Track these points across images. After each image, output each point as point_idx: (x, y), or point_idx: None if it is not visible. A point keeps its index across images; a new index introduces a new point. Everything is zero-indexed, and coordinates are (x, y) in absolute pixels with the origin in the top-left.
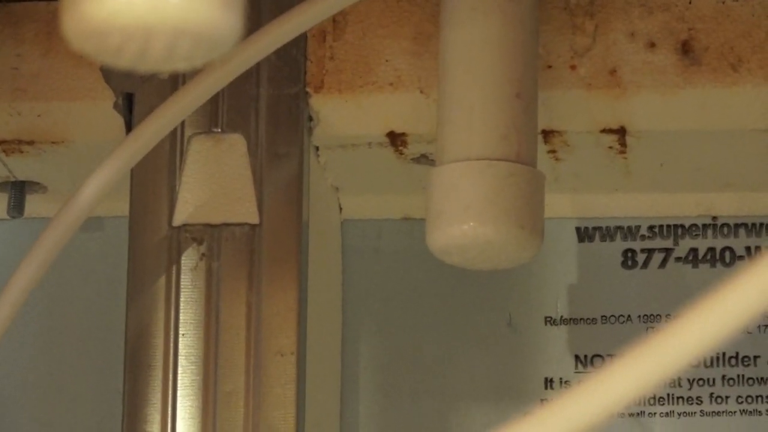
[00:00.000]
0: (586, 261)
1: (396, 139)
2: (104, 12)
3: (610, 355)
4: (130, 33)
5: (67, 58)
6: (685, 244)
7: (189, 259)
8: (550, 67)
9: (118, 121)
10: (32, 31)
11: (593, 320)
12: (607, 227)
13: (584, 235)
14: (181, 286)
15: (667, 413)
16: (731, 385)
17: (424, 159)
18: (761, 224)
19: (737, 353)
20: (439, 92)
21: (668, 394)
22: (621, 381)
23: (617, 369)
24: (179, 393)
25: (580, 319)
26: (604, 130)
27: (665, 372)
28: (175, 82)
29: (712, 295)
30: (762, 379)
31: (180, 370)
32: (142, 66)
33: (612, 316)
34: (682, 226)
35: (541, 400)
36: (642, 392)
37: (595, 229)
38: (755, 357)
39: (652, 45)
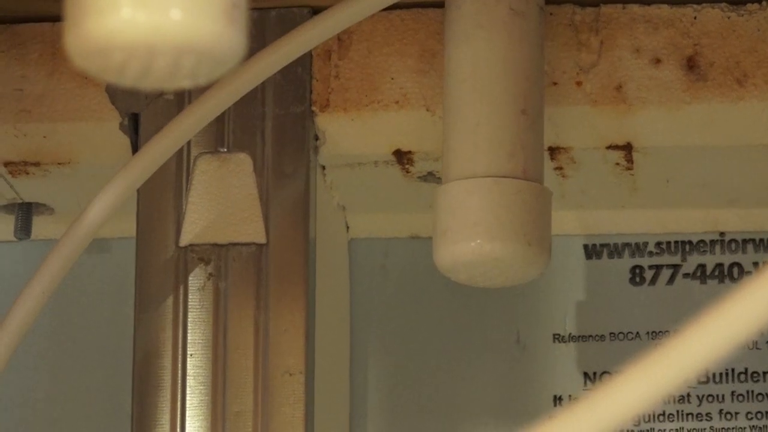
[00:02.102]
0: (594, 278)
1: (402, 157)
2: (107, 30)
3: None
4: (133, 51)
5: (73, 79)
6: (693, 260)
7: (196, 279)
8: (555, 83)
9: (125, 141)
10: (37, 52)
11: (602, 337)
12: (614, 244)
13: (592, 252)
14: (189, 307)
15: (676, 429)
16: (741, 401)
17: (431, 177)
18: None
19: (746, 369)
20: (444, 110)
21: (677, 411)
22: (626, 395)
23: (621, 383)
24: (188, 413)
25: (589, 336)
26: (610, 147)
27: (670, 386)
28: (181, 102)
29: (715, 309)
30: None
31: (188, 390)
32: (146, 84)
33: (620, 332)
34: (690, 242)
35: (550, 417)
36: (647, 406)
37: (602, 245)
38: (764, 373)
39: (658, 61)
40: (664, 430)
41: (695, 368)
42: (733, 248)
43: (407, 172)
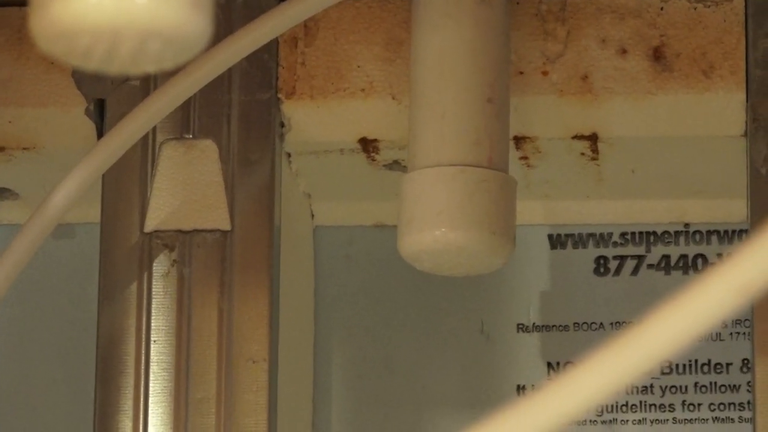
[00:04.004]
0: (558, 268)
1: (368, 145)
2: (72, 13)
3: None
4: (98, 34)
5: (39, 64)
6: (658, 251)
7: (161, 266)
8: (521, 73)
9: (90, 127)
10: (3, 37)
11: (565, 327)
12: (579, 234)
13: (556, 242)
14: (153, 293)
15: (639, 420)
16: (704, 393)
17: (397, 165)
18: (733, 231)
19: (709, 360)
20: (410, 98)
21: (641, 401)
22: (586, 384)
23: (582, 373)
24: (151, 400)
25: (553, 326)
26: (575, 137)
27: (630, 376)
28: (147, 87)
29: (677, 299)
30: (734, 386)
31: (152, 377)
32: (111, 68)
33: (584, 323)
34: (655, 233)
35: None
36: (607, 396)
37: (567, 236)
38: (727, 364)
39: (624, 51)
40: (627, 420)
41: (656, 359)
42: (698, 239)
43: (373, 160)
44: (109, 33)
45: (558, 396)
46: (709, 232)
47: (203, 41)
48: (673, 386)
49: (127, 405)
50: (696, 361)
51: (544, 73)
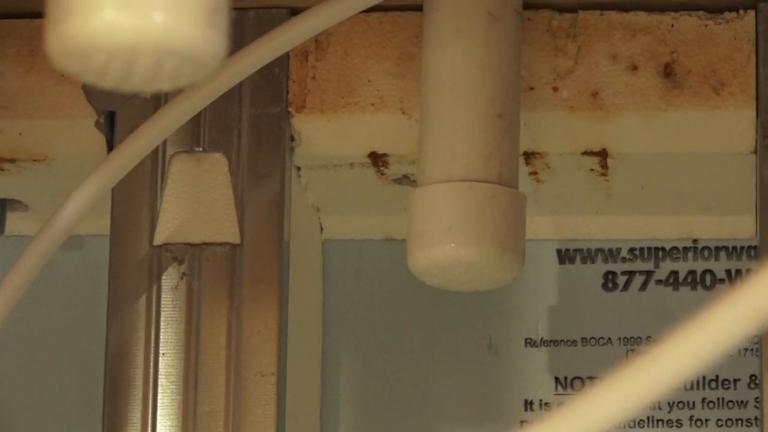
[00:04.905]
0: (566, 283)
1: (378, 159)
2: (89, 31)
3: (590, 378)
4: (115, 53)
5: (50, 76)
6: (666, 266)
7: (170, 279)
8: (532, 88)
9: (100, 139)
10: (14, 48)
11: (573, 342)
12: (587, 249)
13: (565, 257)
14: (162, 306)
15: None
16: (711, 408)
17: (406, 180)
18: (742, 247)
19: (717, 376)
20: (421, 113)
21: (648, 417)
22: (603, 405)
23: (599, 392)
24: (159, 413)
25: (561, 341)
26: (585, 153)
27: (648, 395)
28: (158, 100)
29: (695, 319)
30: (742, 402)
31: (160, 389)
32: (127, 86)
33: (592, 338)
34: (663, 248)
35: (521, 422)
36: (624, 416)
37: (575, 251)
38: (735, 380)
39: (635, 68)
40: None
41: (674, 379)
42: (706, 255)
43: (382, 174)
44: (125, 51)
45: (571, 419)
46: (718, 248)
47: (219, 60)
48: (680, 402)
49: (136, 417)
50: (704, 377)
51: (555, 89)
